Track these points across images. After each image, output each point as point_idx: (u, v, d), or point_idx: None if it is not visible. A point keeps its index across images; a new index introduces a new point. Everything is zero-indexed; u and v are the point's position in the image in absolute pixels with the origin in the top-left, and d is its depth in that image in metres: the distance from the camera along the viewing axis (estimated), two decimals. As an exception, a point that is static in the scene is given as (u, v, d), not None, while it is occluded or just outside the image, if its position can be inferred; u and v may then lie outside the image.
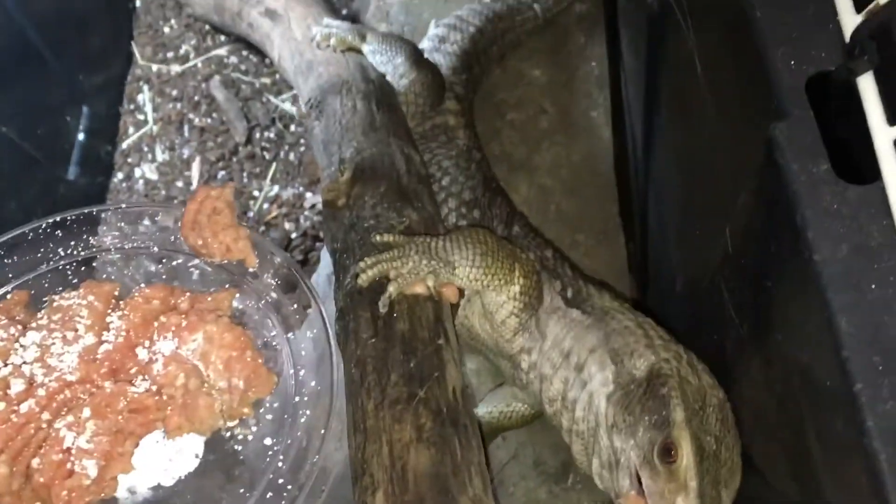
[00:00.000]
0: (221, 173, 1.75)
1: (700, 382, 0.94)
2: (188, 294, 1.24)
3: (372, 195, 1.16)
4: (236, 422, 1.17)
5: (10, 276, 1.29)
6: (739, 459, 0.92)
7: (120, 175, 1.76)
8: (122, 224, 1.36)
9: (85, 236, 1.33)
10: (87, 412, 1.09)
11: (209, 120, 1.82)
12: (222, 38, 1.92)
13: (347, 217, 1.16)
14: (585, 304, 1.08)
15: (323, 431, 1.11)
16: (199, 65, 1.88)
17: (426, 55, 1.47)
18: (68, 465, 1.06)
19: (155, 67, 1.89)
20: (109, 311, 1.20)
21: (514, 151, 1.54)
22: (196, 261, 1.31)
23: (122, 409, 1.10)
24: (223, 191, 1.28)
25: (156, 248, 1.34)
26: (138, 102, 1.85)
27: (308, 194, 1.72)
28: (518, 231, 1.25)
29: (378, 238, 1.08)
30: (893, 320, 0.63)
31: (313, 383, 1.17)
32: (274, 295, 1.27)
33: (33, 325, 1.17)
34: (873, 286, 0.64)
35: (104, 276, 1.33)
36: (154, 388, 1.14)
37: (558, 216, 1.48)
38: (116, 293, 1.23)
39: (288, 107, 1.82)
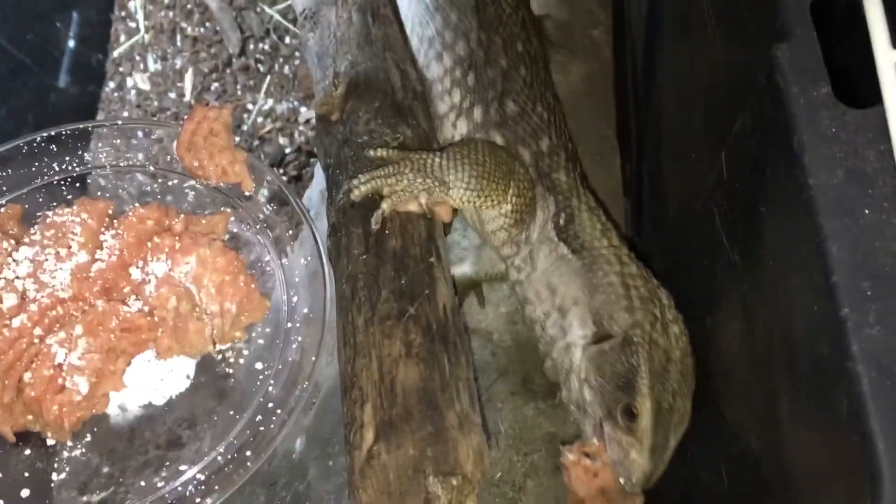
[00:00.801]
0: (215, 85, 1.72)
1: (668, 340, 1.01)
2: (182, 216, 1.23)
3: (366, 110, 1.14)
4: (228, 345, 1.19)
5: (4, 188, 1.28)
6: (689, 404, 1.00)
7: (111, 84, 1.73)
8: (118, 140, 1.34)
9: (80, 152, 1.32)
10: (79, 329, 1.09)
11: (202, 29, 1.77)
12: (215, -56, 1.85)
13: (341, 132, 1.14)
14: (576, 240, 1.10)
15: (314, 358, 1.12)
16: (192, -29, 1.83)
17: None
18: (59, 381, 1.08)
19: (146, -28, 1.83)
20: (103, 229, 1.20)
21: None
22: (191, 181, 1.30)
23: (115, 328, 1.11)
24: (221, 112, 1.26)
25: (151, 167, 1.33)
26: (129, 9, 1.80)
27: (303, 109, 1.69)
28: (513, 110, 1.18)
29: (373, 153, 1.07)
30: (885, 246, 0.63)
31: (306, 310, 1.18)
32: (267, 211, 1.27)
33: (26, 240, 1.17)
34: (867, 211, 0.64)
35: (98, 191, 1.32)
36: (146, 308, 1.14)
37: (555, 137, 1.46)
38: (110, 211, 1.22)
39: (283, 19, 1.78)
